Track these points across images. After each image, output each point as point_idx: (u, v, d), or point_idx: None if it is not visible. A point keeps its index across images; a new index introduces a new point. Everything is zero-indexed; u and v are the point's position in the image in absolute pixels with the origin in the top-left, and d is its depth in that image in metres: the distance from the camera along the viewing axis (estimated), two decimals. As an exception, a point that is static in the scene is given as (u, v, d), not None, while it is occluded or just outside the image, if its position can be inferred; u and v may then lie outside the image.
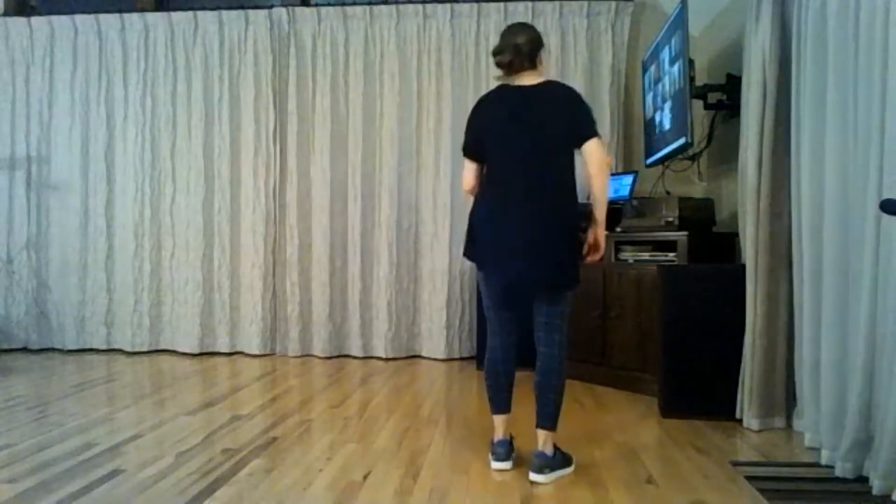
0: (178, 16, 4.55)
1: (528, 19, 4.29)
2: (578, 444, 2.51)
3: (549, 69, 2.35)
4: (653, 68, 3.80)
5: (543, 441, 2.18)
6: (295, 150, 4.48)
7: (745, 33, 2.82)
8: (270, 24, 4.49)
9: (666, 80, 3.52)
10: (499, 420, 2.30)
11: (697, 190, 4.00)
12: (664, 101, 3.57)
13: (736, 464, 2.28)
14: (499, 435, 2.29)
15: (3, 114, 4.69)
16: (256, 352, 4.48)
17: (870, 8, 2.04)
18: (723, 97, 3.40)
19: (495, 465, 2.25)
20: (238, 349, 4.58)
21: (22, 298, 4.68)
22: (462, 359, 4.36)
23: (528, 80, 2.21)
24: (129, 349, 4.56)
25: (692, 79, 3.27)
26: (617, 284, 3.47)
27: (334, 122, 4.44)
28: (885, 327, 1.95)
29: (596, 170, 2.13)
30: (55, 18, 4.64)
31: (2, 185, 4.70)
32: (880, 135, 1.96)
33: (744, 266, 2.77)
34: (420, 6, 4.36)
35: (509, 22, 4.28)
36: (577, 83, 4.26)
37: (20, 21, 4.66)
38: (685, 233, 3.13)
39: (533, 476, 2.14)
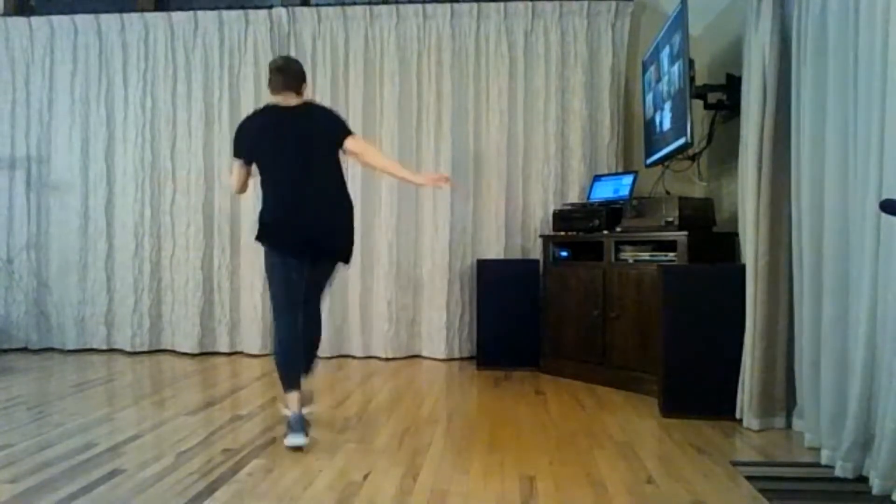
0: (178, 16, 4.55)
1: (528, 19, 4.30)
2: (579, 445, 2.51)
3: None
4: (653, 68, 3.80)
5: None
6: (295, 150, 4.48)
7: (745, 33, 2.82)
8: (270, 24, 4.49)
9: (666, 80, 3.52)
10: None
11: (697, 190, 4.00)
12: (664, 101, 3.57)
13: (736, 464, 2.28)
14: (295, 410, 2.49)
15: (3, 114, 4.69)
16: (256, 352, 4.48)
17: (870, 8, 2.04)
18: (723, 97, 3.40)
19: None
20: (238, 349, 4.57)
21: (22, 298, 4.68)
22: (462, 359, 4.36)
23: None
24: (129, 349, 4.56)
25: (692, 79, 3.27)
26: (617, 284, 3.47)
27: (334, 122, 4.43)
28: (885, 327, 1.95)
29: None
30: (55, 18, 4.64)
31: (2, 185, 4.70)
32: (880, 135, 1.96)
33: (744, 266, 2.77)
34: (420, 6, 4.36)
35: (509, 22, 4.32)
36: (576, 83, 4.28)
37: (20, 21, 4.66)
38: (685, 233, 3.13)
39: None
